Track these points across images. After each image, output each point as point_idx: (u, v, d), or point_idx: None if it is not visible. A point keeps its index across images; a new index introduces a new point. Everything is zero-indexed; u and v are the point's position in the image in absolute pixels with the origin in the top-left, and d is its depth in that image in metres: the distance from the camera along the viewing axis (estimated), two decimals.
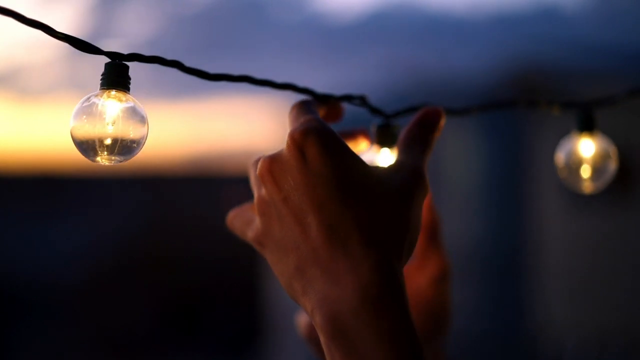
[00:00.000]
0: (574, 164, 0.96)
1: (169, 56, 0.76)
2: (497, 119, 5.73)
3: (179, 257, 7.61)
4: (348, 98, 0.86)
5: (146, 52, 0.73)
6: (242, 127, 7.83)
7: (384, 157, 0.87)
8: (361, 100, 0.86)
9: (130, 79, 0.72)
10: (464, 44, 6.87)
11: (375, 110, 0.88)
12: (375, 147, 0.88)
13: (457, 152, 6.07)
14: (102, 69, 0.72)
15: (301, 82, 0.87)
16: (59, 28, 0.70)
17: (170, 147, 7.82)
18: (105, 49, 0.72)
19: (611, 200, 5.66)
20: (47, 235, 7.55)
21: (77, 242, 7.51)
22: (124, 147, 0.70)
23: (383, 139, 0.87)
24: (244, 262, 7.14)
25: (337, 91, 0.87)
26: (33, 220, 7.67)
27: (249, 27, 6.84)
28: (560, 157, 0.97)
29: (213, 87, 6.68)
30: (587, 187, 0.97)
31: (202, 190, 8.04)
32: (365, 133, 0.86)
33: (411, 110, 0.87)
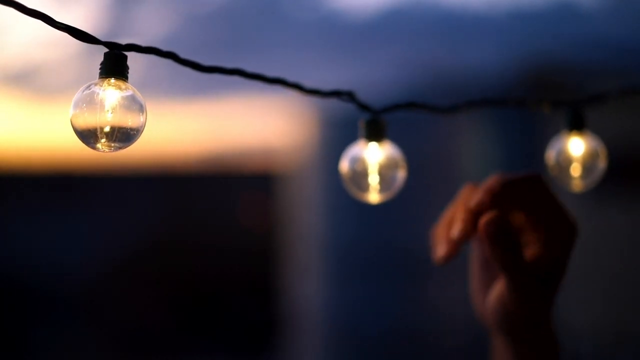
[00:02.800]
0: (564, 162, 0.97)
1: (185, 54, 0.78)
2: (512, 116, 5.71)
3: (195, 254, 7.63)
4: (336, 94, 0.87)
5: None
6: (257, 126, 7.85)
7: (371, 152, 0.89)
8: (349, 96, 0.88)
9: (128, 68, 0.73)
10: (481, 41, 6.85)
11: (363, 106, 0.89)
12: (363, 142, 0.90)
13: (472, 149, 6.06)
14: None
15: (318, 81, 0.88)
16: (76, 26, 0.71)
17: (187, 146, 7.86)
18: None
19: (628, 197, 5.64)
20: (62, 233, 7.60)
21: (93, 240, 7.55)
22: (123, 134, 0.71)
23: (371, 134, 0.89)
24: (261, 260, 7.16)
25: (352, 89, 0.89)
26: (49, 219, 7.72)
27: (265, 25, 6.85)
28: (550, 155, 0.98)
29: (230, 87, 6.70)
30: (577, 186, 0.98)
31: (218, 188, 8.06)
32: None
33: (398, 107, 0.88)
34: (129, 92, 0.72)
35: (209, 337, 7.07)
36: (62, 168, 7.88)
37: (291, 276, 6.25)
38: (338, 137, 6.41)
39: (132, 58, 0.74)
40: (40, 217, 7.71)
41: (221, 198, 7.95)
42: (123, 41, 0.74)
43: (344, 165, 0.90)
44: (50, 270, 7.39)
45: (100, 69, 0.72)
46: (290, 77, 0.86)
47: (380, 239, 5.77)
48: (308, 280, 6.09)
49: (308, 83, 0.87)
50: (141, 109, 0.72)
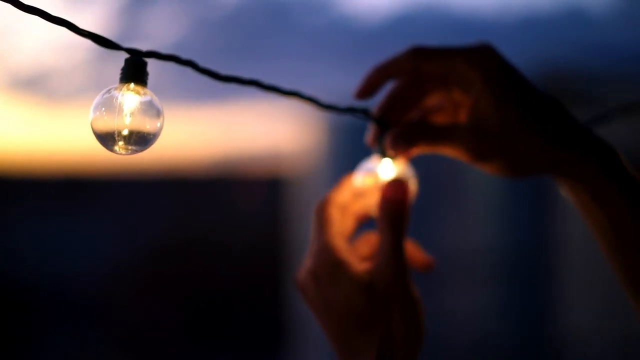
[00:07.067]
0: None
1: (195, 59, 0.79)
2: None
3: (203, 258, 7.65)
4: (351, 110, 0.88)
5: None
6: (266, 130, 7.87)
7: (385, 168, 0.91)
8: (364, 113, 0.89)
9: (148, 74, 0.75)
10: None
11: (378, 122, 0.89)
12: (377, 158, 0.91)
13: None
14: None
15: (328, 85, 0.90)
16: (98, 33, 0.73)
17: (196, 150, 7.88)
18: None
19: None
20: (71, 236, 7.62)
21: (103, 243, 7.57)
22: (140, 137, 0.73)
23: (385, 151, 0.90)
24: (269, 263, 7.17)
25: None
26: (59, 223, 7.74)
27: (275, 30, 6.87)
28: None
29: (238, 91, 6.71)
30: None
31: (227, 192, 8.07)
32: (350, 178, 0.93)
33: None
34: (147, 98, 0.74)
35: (218, 339, 7.09)
36: (72, 172, 7.91)
37: None
38: (346, 142, 6.42)
39: None
40: (49, 220, 7.74)
41: (230, 202, 7.96)
42: (141, 47, 0.76)
43: (358, 178, 0.92)
44: (60, 273, 7.42)
45: (120, 74, 0.74)
46: (299, 81, 0.88)
47: None
48: None
49: (316, 88, 0.89)
50: (158, 113, 0.74)
